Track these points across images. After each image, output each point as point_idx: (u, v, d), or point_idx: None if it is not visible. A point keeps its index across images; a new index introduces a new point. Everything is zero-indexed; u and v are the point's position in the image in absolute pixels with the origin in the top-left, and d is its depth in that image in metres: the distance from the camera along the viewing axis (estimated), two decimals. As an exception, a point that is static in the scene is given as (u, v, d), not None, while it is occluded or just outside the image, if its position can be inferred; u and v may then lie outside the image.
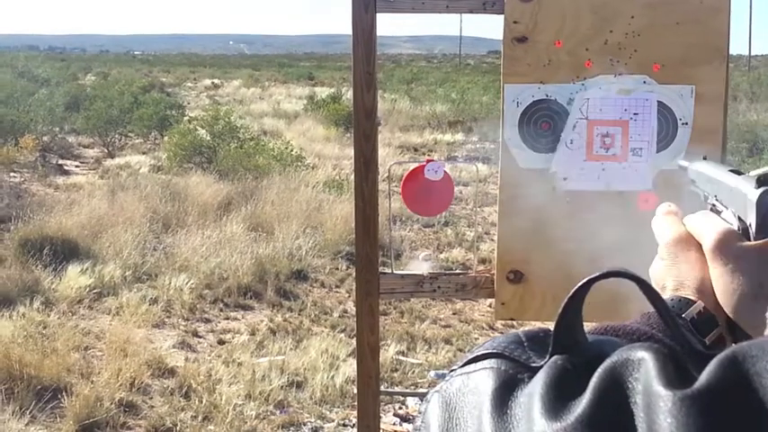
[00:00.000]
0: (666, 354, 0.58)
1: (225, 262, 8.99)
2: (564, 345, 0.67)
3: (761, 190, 0.86)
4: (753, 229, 0.87)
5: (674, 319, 0.69)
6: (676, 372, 0.57)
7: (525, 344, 0.70)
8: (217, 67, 73.20)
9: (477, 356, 0.70)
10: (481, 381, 0.67)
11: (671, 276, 0.92)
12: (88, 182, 14.40)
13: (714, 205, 0.95)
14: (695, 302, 0.87)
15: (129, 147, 19.45)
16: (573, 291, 0.68)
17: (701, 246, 0.91)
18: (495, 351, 0.69)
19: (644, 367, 0.58)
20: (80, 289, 8.19)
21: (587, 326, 0.81)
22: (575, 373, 0.63)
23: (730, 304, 0.86)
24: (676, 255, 0.92)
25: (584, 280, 0.69)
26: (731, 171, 0.95)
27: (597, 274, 0.69)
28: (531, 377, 0.65)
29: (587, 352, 0.67)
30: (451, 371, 0.72)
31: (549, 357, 0.66)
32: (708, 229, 0.90)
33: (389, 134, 19.99)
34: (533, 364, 0.67)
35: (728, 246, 0.86)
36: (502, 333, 6.53)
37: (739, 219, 0.90)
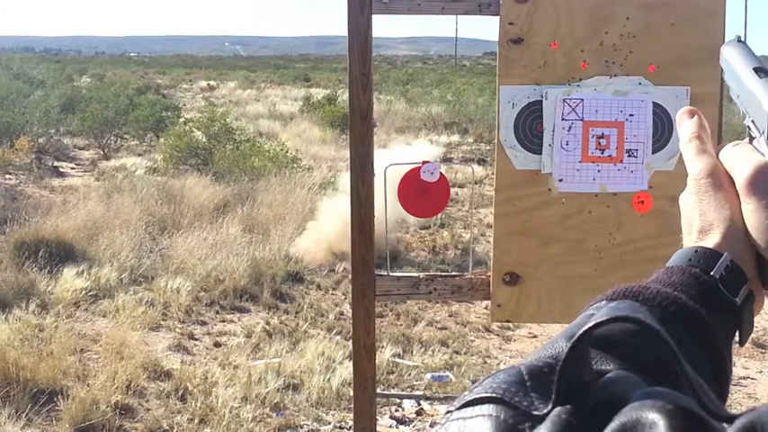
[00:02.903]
0: (680, 417, 0.55)
1: (221, 264, 8.98)
2: (569, 389, 0.63)
3: None
4: (765, 139, 0.84)
5: (689, 375, 0.63)
6: None
7: (528, 383, 0.65)
8: (212, 68, 73.15)
9: (476, 399, 0.65)
10: (479, 431, 0.63)
11: (698, 215, 0.87)
12: (84, 184, 14.38)
13: (749, 128, 0.89)
14: (722, 255, 0.82)
15: (124, 148, 19.44)
16: (578, 335, 0.64)
17: (732, 180, 0.86)
18: (494, 395, 0.64)
19: None
20: (76, 292, 8.17)
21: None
22: (580, 429, 0.60)
23: (764, 239, 0.82)
24: (705, 191, 0.87)
25: (590, 324, 0.64)
26: (756, 69, 0.89)
27: (605, 318, 0.66)
28: (532, 427, 0.61)
29: (596, 394, 0.63)
30: (447, 412, 0.66)
31: (553, 406, 0.62)
32: (742, 162, 0.85)
33: (385, 135, 19.99)
34: (535, 413, 0.62)
35: (764, 180, 0.82)
36: (498, 336, 6.48)
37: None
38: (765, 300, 0.87)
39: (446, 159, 17.66)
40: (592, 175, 2.83)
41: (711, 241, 0.84)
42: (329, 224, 9.55)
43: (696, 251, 0.84)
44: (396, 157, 10.00)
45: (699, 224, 0.86)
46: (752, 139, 0.88)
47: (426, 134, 21.56)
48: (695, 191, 0.88)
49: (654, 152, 2.80)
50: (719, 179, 0.87)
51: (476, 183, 12.55)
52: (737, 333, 0.83)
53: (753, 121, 0.88)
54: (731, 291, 0.81)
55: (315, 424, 5.87)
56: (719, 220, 0.85)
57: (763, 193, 0.82)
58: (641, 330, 0.71)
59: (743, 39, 0.99)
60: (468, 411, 0.64)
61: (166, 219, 10.80)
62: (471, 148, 19.81)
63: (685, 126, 0.93)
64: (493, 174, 2.93)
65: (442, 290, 3.03)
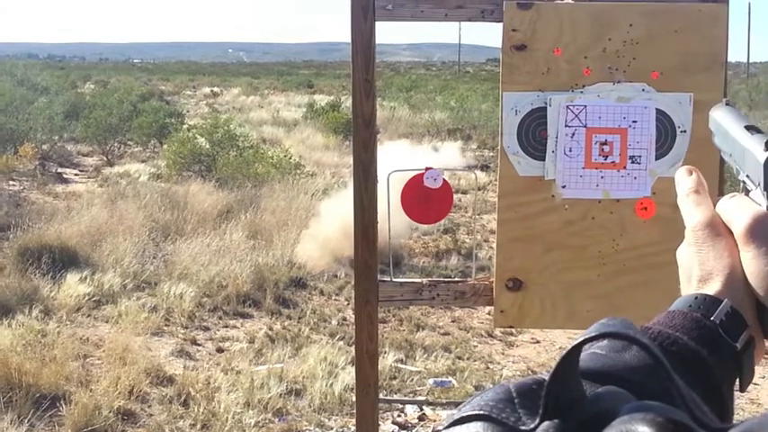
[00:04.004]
0: (671, 429, 0.55)
1: (224, 270, 8.98)
2: (558, 405, 0.63)
3: None
4: (761, 190, 0.86)
5: (680, 389, 0.63)
6: None
7: (516, 400, 0.65)
8: (216, 75, 73.12)
9: (464, 417, 0.65)
10: None
11: (697, 264, 0.88)
12: (87, 190, 14.39)
13: (744, 182, 0.92)
14: (722, 301, 0.83)
15: (128, 155, 19.45)
16: (567, 350, 0.64)
17: (730, 230, 0.87)
18: (482, 413, 0.65)
19: None
20: (79, 297, 8.17)
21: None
22: None
23: (764, 286, 0.83)
24: (704, 241, 0.88)
25: (579, 339, 0.65)
26: (747, 127, 0.92)
27: (593, 333, 0.66)
28: None
29: (585, 410, 0.64)
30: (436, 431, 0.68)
31: (540, 421, 0.63)
32: (739, 213, 0.87)
33: (388, 142, 19.98)
34: (523, 428, 0.63)
35: (762, 228, 0.83)
36: (500, 341, 6.47)
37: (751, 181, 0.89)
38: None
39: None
40: (595, 181, 2.83)
41: (712, 289, 0.85)
42: (332, 230, 9.54)
43: (696, 298, 0.85)
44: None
45: (698, 273, 0.87)
46: (748, 192, 0.91)
47: (430, 140, 21.56)
48: (694, 241, 0.89)
49: (657, 158, 2.81)
50: (718, 229, 0.88)
51: (479, 189, 12.56)
52: (738, 379, 0.84)
53: (748, 176, 0.91)
54: (731, 336, 0.82)
55: (317, 429, 5.87)
56: (719, 269, 0.86)
57: (762, 240, 0.84)
58: (646, 366, 0.72)
59: (730, 101, 1.04)
60: (456, 430, 0.65)
61: (170, 225, 10.81)
62: (474, 154, 19.80)
63: (684, 182, 0.95)
64: (496, 180, 2.94)
65: (445, 295, 3.03)
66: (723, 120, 0.99)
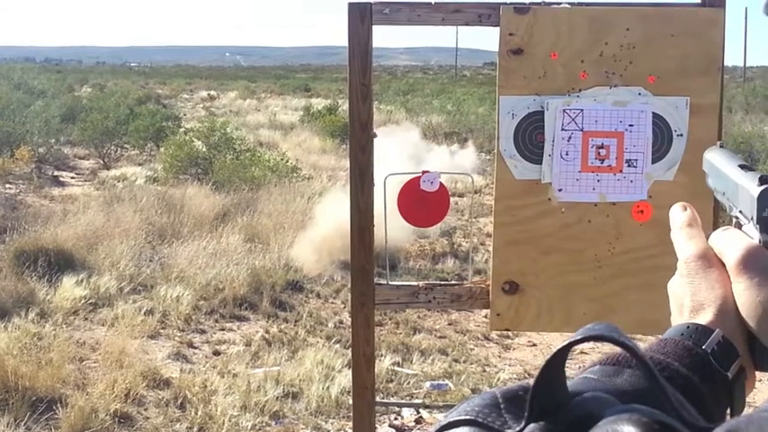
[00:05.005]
0: (656, 429, 0.56)
1: (221, 273, 8.97)
2: (543, 408, 0.64)
3: (762, 188, 0.87)
4: (754, 224, 0.88)
5: (668, 394, 0.64)
6: None
7: (502, 406, 0.66)
8: (213, 78, 73.00)
9: (451, 423, 0.66)
10: None
11: (689, 295, 0.89)
12: (84, 193, 14.38)
13: (737, 218, 0.94)
14: (713, 331, 0.84)
15: (124, 158, 19.44)
16: (553, 353, 0.65)
17: (722, 263, 0.88)
18: (468, 417, 0.65)
19: None
20: (75, 300, 8.16)
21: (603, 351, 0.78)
22: None
23: (755, 316, 0.84)
24: (696, 272, 0.89)
25: (565, 343, 0.66)
26: (741, 166, 0.95)
27: (579, 336, 0.67)
28: None
29: (571, 413, 0.65)
30: None
31: (526, 424, 0.63)
32: (732, 245, 0.88)
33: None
34: (508, 431, 0.64)
35: (755, 260, 0.85)
36: (497, 344, 6.46)
37: (742, 215, 0.91)
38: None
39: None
40: (591, 184, 2.84)
41: (703, 319, 0.86)
42: (329, 233, 9.54)
43: (688, 327, 0.86)
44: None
45: (690, 304, 0.89)
46: (740, 227, 0.93)
47: (427, 144, 21.54)
48: (686, 273, 0.90)
49: (653, 162, 2.81)
50: (710, 261, 0.89)
51: (475, 192, 12.56)
52: (729, 408, 0.84)
53: (741, 211, 0.93)
54: (723, 365, 0.83)
55: (314, 433, 5.87)
56: (711, 299, 0.87)
57: (754, 272, 0.85)
58: (637, 391, 0.73)
59: (724, 143, 1.10)
60: None
61: (166, 228, 10.80)
62: (471, 157, 19.81)
63: (677, 216, 0.97)
64: (493, 183, 2.94)
65: (442, 298, 3.04)
66: (717, 160, 1.02)
